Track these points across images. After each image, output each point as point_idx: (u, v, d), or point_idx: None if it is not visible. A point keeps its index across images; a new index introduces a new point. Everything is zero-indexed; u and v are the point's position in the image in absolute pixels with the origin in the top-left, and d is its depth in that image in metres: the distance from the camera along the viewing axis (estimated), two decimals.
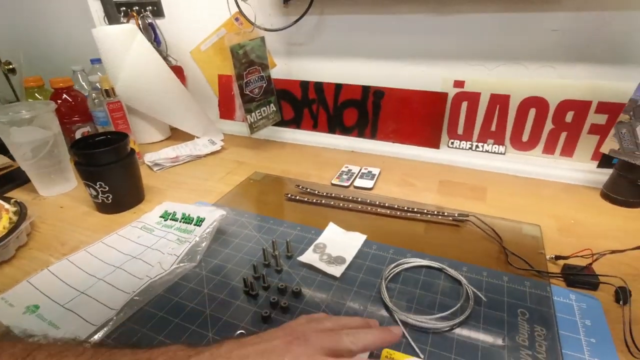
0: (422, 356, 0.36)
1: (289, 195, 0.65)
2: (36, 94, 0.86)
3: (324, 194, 0.65)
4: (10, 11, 1.15)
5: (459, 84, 0.74)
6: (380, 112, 0.83)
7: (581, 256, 0.47)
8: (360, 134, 0.87)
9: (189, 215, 0.57)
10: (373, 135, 0.86)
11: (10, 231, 0.52)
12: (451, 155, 0.78)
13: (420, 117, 0.79)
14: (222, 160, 0.83)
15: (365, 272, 0.47)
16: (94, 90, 0.81)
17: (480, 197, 0.65)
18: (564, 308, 0.41)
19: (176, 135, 0.96)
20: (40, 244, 0.56)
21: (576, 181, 0.68)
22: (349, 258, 0.49)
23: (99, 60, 0.87)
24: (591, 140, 0.68)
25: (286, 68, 0.89)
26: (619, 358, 0.36)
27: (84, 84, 0.93)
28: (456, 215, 0.57)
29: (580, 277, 0.44)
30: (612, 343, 0.37)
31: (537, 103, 0.70)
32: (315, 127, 0.91)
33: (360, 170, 0.75)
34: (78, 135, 0.82)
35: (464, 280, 0.45)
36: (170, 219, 0.58)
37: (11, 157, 0.71)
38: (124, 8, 0.93)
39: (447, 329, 0.39)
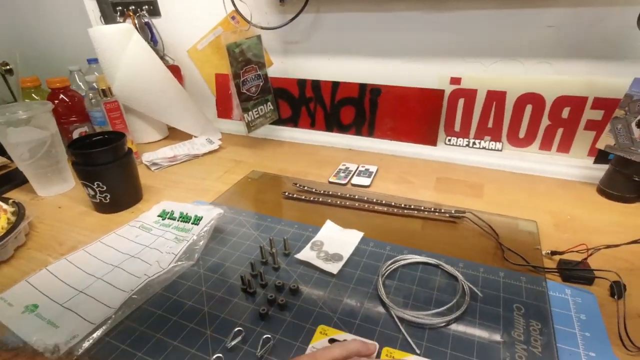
0: (418, 352, 0.37)
1: (287, 194, 0.66)
2: (33, 95, 0.86)
3: (322, 192, 0.65)
4: (7, 11, 1.14)
5: (455, 80, 0.74)
6: (378, 109, 0.83)
7: (576, 251, 0.47)
8: (358, 132, 0.87)
9: (187, 214, 0.57)
10: (370, 133, 0.86)
11: (9, 231, 0.52)
12: (448, 152, 0.78)
13: (417, 115, 0.80)
14: (220, 159, 0.83)
15: (362, 269, 0.48)
16: (91, 90, 0.81)
17: (477, 194, 0.65)
18: (560, 303, 0.42)
19: (174, 134, 0.96)
20: (38, 244, 0.56)
21: (573, 177, 0.68)
22: (346, 255, 0.50)
23: (95, 60, 0.87)
24: (587, 136, 0.69)
25: (283, 66, 0.90)
26: (613, 351, 0.36)
27: (81, 84, 0.93)
28: (453, 212, 0.58)
29: (576, 272, 0.45)
30: (606, 337, 0.37)
31: (533, 99, 0.70)
32: (312, 125, 0.91)
33: (358, 168, 0.75)
34: (75, 135, 0.82)
35: (460, 276, 0.45)
36: (168, 218, 0.58)
37: (9, 158, 0.71)
38: (121, 7, 0.93)
39: (444, 324, 0.40)
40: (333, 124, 0.89)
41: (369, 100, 0.83)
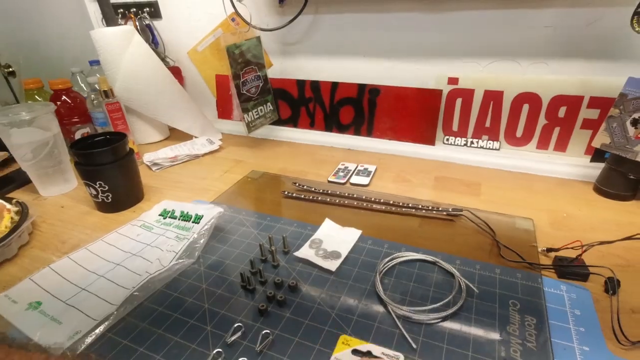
0: (415, 346, 0.37)
1: (286, 193, 0.66)
2: (36, 96, 0.86)
3: (321, 191, 0.66)
4: (10, 15, 1.15)
5: (453, 80, 0.75)
6: (376, 109, 0.84)
7: (571, 248, 0.48)
8: (357, 132, 0.88)
9: (187, 213, 0.58)
10: (369, 133, 0.87)
11: (12, 230, 0.53)
12: (446, 151, 0.79)
13: (415, 114, 0.80)
14: (220, 160, 0.84)
15: (360, 266, 0.48)
16: (93, 91, 0.81)
17: (474, 193, 0.65)
18: (555, 299, 0.42)
19: (175, 135, 0.97)
20: (41, 243, 0.57)
21: (570, 176, 0.69)
22: (344, 253, 0.50)
23: (97, 62, 0.88)
24: (584, 135, 0.69)
25: (282, 67, 0.90)
26: (607, 346, 0.37)
27: (82, 85, 0.94)
28: (450, 210, 0.58)
29: (571, 269, 0.45)
30: (600, 332, 0.38)
31: (530, 99, 0.70)
32: (312, 125, 0.92)
33: (357, 167, 0.75)
34: (77, 136, 0.83)
35: (456, 273, 0.46)
36: (169, 217, 0.59)
37: (12, 158, 0.72)
38: (122, 10, 0.94)
39: (440, 320, 0.40)
40: (332, 124, 0.90)
41: (368, 100, 0.84)
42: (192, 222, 0.56)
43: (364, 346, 0.37)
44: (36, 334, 0.39)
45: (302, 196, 0.65)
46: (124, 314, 0.42)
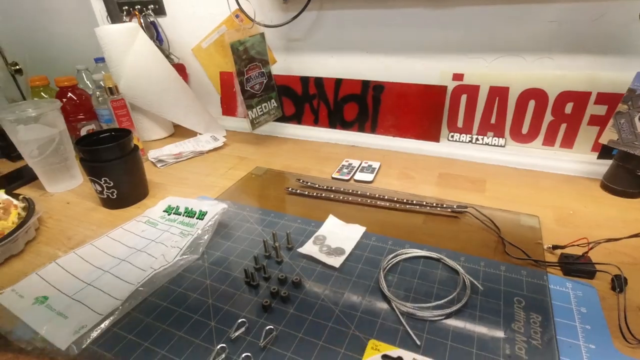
0: (419, 343, 0.37)
1: (290, 189, 0.66)
2: (42, 93, 0.87)
3: (325, 187, 0.66)
4: (16, 14, 1.16)
5: (458, 76, 0.74)
6: (380, 106, 0.83)
7: (577, 245, 0.47)
8: (361, 129, 0.88)
9: (192, 209, 0.58)
10: (373, 130, 0.86)
11: (19, 226, 0.53)
12: (451, 148, 0.78)
13: (420, 111, 0.80)
14: (224, 156, 0.84)
15: (364, 263, 0.48)
16: (98, 88, 0.82)
17: (479, 189, 0.65)
18: (560, 296, 0.42)
19: (179, 132, 0.97)
20: (48, 239, 0.57)
21: (576, 173, 0.68)
22: (348, 249, 0.50)
23: (102, 59, 0.89)
24: (591, 131, 0.68)
25: (286, 64, 0.90)
26: (614, 344, 0.36)
27: (88, 82, 0.95)
28: (455, 206, 0.58)
29: (577, 266, 0.45)
30: (607, 329, 0.38)
31: (536, 95, 0.70)
32: (316, 122, 0.92)
33: (361, 164, 0.75)
34: (83, 132, 0.84)
35: (461, 270, 0.45)
36: (173, 213, 0.59)
37: (19, 155, 0.73)
38: (127, 7, 0.94)
39: (444, 317, 0.40)
40: (336, 121, 0.90)
41: (372, 97, 0.83)
42: (197, 218, 0.57)
43: (394, 352, 0.36)
44: (42, 328, 0.40)
45: (306, 193, 0.65)
46: (129, 309, 0.43)
